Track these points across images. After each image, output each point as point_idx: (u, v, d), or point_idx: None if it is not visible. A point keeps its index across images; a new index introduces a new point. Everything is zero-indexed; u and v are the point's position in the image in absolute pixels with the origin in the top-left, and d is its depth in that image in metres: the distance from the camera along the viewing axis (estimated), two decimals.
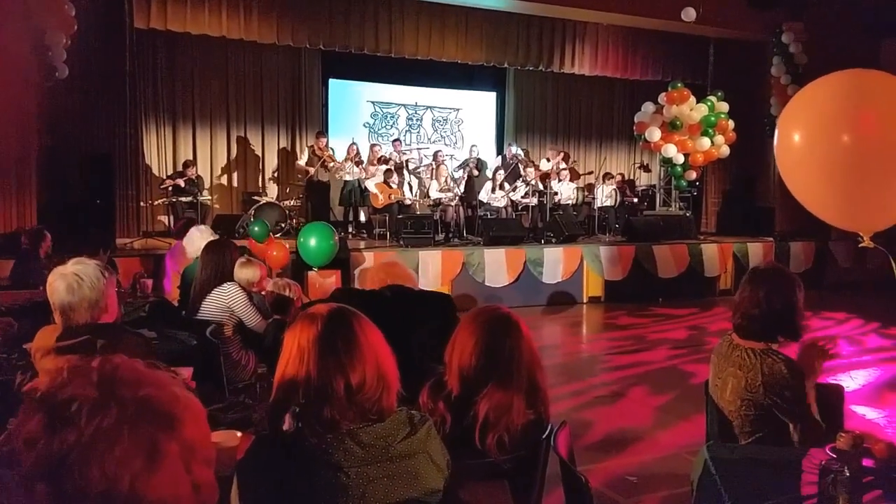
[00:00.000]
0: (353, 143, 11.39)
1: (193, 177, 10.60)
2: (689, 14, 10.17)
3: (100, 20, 8.89)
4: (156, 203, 10.86)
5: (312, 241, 7.60)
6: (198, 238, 5.03)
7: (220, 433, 2.13)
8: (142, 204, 10.44)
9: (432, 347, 2.40)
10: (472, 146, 12.86)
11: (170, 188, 10.26)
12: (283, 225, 10.43)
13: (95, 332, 2.38)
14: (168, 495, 0.90)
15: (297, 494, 1.53)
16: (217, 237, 5.10)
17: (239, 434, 2.14)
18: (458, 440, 2.03)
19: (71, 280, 2.37)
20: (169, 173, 11.24)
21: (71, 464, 0.86)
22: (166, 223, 10.60)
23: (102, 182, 8.75)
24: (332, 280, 7.95)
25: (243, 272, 4.25)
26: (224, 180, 12.29)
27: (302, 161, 11.20)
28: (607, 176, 12.73)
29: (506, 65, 12.89)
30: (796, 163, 2.97)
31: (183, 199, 10.26)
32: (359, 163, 11.03)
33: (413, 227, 9.67)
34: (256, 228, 7.35)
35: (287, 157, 12.63)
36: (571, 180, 12.51)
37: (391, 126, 13.62)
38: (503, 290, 9.36)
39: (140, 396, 0.92)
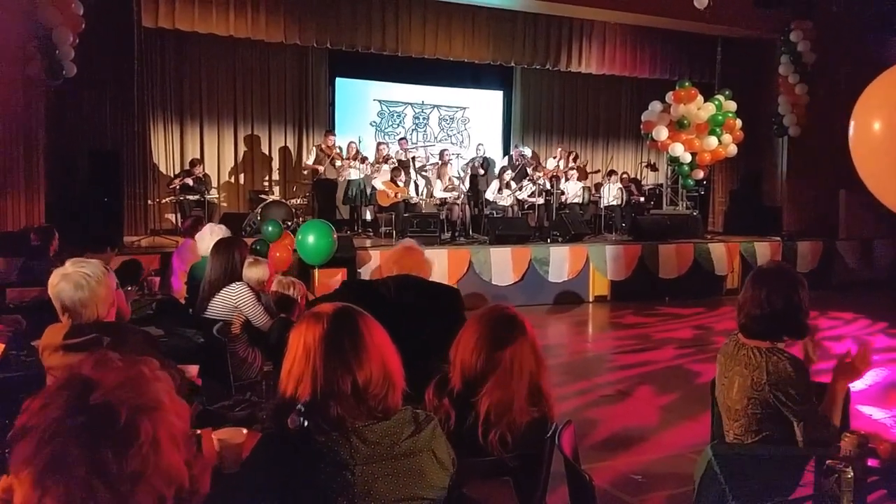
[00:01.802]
0: (352, 142, 11.36)
1: (201, 175, 10.64)
2: (702, 0, 10.03)
3: (108, 19, 8.90)
4: (163, 201, 10.91)
5: (310, 239, 7.49)
6: (208, 237, 5.05)
7: (226, 430, 2.14)
8: (149, 202, 10.47)
9: (438, 346, 2.40)
10: (479, 145, 12.87)
11: (177, 187, 10.30)
12: (289, 223, 10.43)
13: (102, 329, 2.39)
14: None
15: (303, 491, 1.54)
16: (229, 235, 5.12)
17: (245, 431, 2.15)
18: (462, 438, 2.04)
19: (78, 278, 2.38)
20: (176, 171, 11.30)
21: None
22: (174, 221, 10.65)
23: (110, 180, 8.77)
24: (337, 279, 7.94)
25: (252, 272, 4.27)
26: (231, 178, 12.33)
27: (310, 161, 11.22)
28: (611, 174, 12.69)
29: (512, 63, 12.90)
30: (872, 151, 2.84)
31: (190, 197, 10.31)
32: (363, 160, 11.03)
33: (419, 225, 9.69)
34: (270, 228, 7.31)
35: (294, 155, 12.66)
36: (579, 179, 12.49)
37: (398, 125, 13.62)
38: (509, 288, 9.36)
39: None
